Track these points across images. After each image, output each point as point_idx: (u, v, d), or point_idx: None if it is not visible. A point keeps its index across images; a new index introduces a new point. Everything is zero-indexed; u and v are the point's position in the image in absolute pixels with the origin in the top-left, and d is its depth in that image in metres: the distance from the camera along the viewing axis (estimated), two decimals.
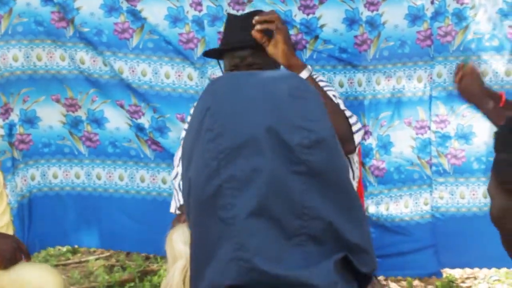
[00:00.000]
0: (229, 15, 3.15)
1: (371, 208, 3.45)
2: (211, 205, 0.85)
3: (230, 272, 0.82)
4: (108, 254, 4.84)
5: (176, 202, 3.01)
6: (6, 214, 2.94)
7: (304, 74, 2.80)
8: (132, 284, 4.27)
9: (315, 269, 0.81)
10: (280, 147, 0.82)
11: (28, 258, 2.92)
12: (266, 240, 0.82)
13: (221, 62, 3.13)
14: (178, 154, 3.05)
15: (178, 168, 3.04)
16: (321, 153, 0.84)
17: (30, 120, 3.50)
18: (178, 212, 3.03)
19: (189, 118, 3.08)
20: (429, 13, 3.31)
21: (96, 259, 4.76)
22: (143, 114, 3.48)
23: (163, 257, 4.59)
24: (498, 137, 1.54)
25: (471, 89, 2.80)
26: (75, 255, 4.85)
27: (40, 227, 3.54)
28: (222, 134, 0.84)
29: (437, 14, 3.31)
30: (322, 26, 3.31)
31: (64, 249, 4.82)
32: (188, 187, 0.88)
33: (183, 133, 3.05)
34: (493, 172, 1.53)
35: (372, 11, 3.31)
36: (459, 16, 3.31)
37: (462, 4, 3.28)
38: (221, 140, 0.84)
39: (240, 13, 3.31)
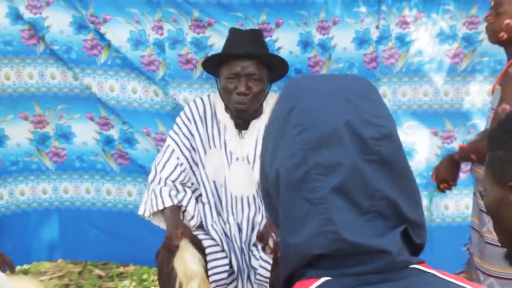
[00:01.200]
0: (233, 29, 3.31)
1: None
2: (298, 189, 1.00)
3: (319, 243, 0.98)
4: (60, 274, 4.86)
5: (153, 207, 3.15)
6: None
7: None
8: None
9: (386, 239, 1.00)
10: (357, 140, 1.00)
11: (12, 270, 2.97)
12: (347, 216, 1.00)
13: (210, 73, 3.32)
14: (161, 161, 3.21)
15: (161, 174, 3.20)
16: (389, 145, 1.02)
17: None
18: (148, 217, 3.17)
19: (161, 131, 3.27)
20: (374, 37, 3.58)
21: (50, 279, 4.79)
22: (113, 126, 3.63)
23: (118, 275, 4.69)
24: (491, 136, 1.80)
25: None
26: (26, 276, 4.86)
27: (8, 246, 3.57)
28: (307, 129, 1.01)
29: (382, 38, 3.58)
30: (279, 48, 3.53)
31: (16, 269, 4.82)
32: (275, 176, 1.05)
33: (166, 144, 3.24)
34: (488, 168, 1.78)
35: (324, 34, 3.55)
36: (402, 40, 3.59)
37: (404, 29, 3.57)
38: (306, 133, 1.01)
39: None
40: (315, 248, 0.97)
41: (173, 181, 3.18)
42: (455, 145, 3.71)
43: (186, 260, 2.72)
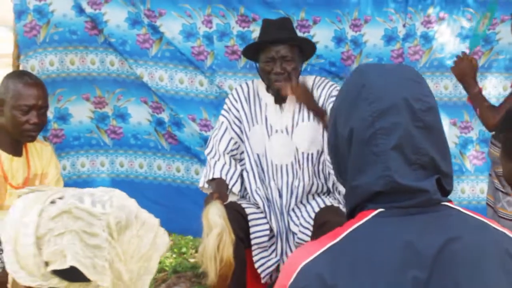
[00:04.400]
0: (265, 19, 3.64)
1: None
2: (367, 144, 1.35)
3: (379, 183, 1.34)
4: None
5: (206, 177, 3.54)
6: None
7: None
8: None
9: (425, 182, 1.34)
10: (410, 110, 1.34)
11: None
12: (399, 165, 1.33)
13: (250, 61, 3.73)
14: (218, 135, 3.59)
15: (219, 147, 3.57)
16: (432, 115, 1.39)
17: (63, 117, 4.00)
18: (206, 185, 3.55)
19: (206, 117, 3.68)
20: (401, 35, 3.93)
21: None
22: (163, 110, 4.03)
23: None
24: (507, 118, 2.34)
25: (466, 71, 3.48)
26: None
27: None
28: (375, 101, 1.35)
29: (408, 36, 3.93)
30: (315, 42, 3.84)
31: None
32: (349, 134, 1.39)
33: (220, 121, 3.62)
34: (503, 147, 2.32)
35: (356, 31, 3.92)
36: (426, 38, 3.94)
37: (428, 28, 3.92)
38: (374, 104, 1.35)
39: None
40: (375, 187, 1.37)
41: (228, 153, 3.57)
42: (472, 135, 4.06)
43: (209, 214, 3.10)
